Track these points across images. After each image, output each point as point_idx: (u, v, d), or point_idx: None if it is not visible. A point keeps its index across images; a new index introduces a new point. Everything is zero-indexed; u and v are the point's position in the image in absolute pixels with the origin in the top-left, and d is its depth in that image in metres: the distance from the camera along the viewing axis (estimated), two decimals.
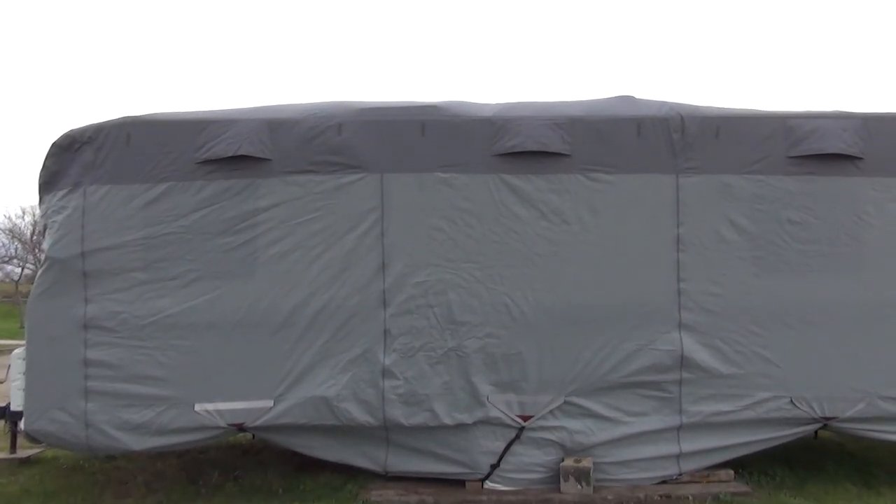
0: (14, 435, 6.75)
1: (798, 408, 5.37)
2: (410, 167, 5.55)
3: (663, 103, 5.68)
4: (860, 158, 5.44)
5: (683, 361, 5.35)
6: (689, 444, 5.43)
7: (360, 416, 5.36)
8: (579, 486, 5.23)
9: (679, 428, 5.41)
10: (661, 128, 5.51)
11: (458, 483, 5.53)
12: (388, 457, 5.58)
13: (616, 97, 5.89)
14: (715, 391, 5.39)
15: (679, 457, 5.45)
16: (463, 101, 5.86)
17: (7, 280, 44.56)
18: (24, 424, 5.59)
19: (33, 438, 5.77)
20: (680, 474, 5.48)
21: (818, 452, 6.36)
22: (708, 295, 5.42)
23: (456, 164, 5.54)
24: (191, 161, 5.52)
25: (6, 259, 42.88)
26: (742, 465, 5.74)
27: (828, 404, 5.37)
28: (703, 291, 5.42)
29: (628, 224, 5.48)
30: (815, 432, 5.85)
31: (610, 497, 5.21)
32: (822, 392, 5.36)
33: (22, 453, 6.83)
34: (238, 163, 5.49)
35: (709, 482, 5.43)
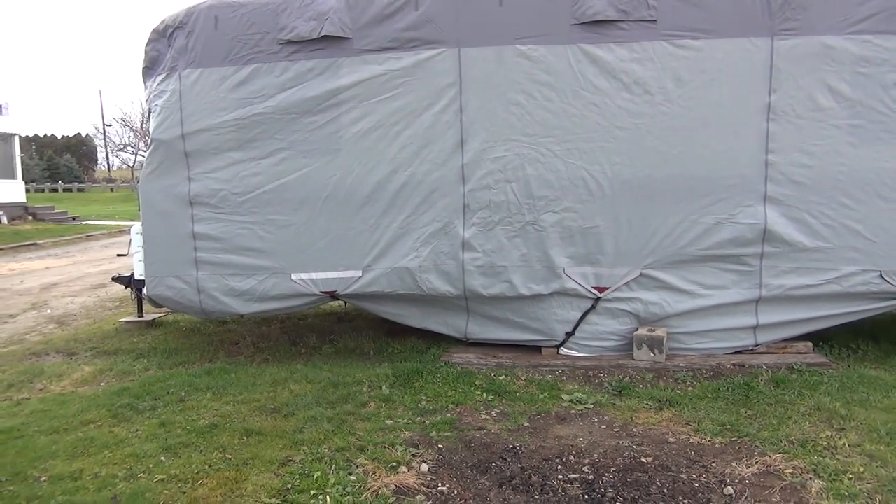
0: (140, 301, 7.61)
1: (887, 282, 5.22)
2: (488, 40, 5.48)
3: None
4: None
5: (766, 235, 5.26)
6: (767, 317, 5.44)
7: (442, 286, 5.67)
8: (652, 354, 5.41)
9: (758, 301, 5.41)
10: None
11: (534, 349, 5.85)
12: (469, 325, 5.93)
13: None
14: (798, 265, 5.30)
15: (756, 328, 5.49)
16: None
17: (124, 167, 47.87)
18: (146, 290, 6.28)
19: (155, 303, 6.49)
20: (756, 345, 5.54)
21: None
22: (797, 166, 5.20)
23: (534, 36, 5.41)
24: (274, 42, 5.69)
25: (121, 147, 45.86)
26: (824, 339, 5.73)
27: None
28: (793, 163, 5.21)
29: (715, 93, 5.25)
30: None
31: (682, 364, 5.37)
32: None
33: (147, 316, 7.72)
34: (319, 42, 5.62)
35: (785, 353, 5.47)
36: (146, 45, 6.12)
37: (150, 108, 6.22)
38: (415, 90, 5.58)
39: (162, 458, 4.08)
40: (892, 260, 5.19)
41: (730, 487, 3.54)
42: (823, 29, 5.07)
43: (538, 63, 5.41)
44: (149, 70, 6.18)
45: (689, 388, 5.02)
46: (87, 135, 55.11)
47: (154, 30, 6.06)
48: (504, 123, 5.48)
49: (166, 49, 5.96)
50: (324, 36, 5.56)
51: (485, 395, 5.02)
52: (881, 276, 5.22)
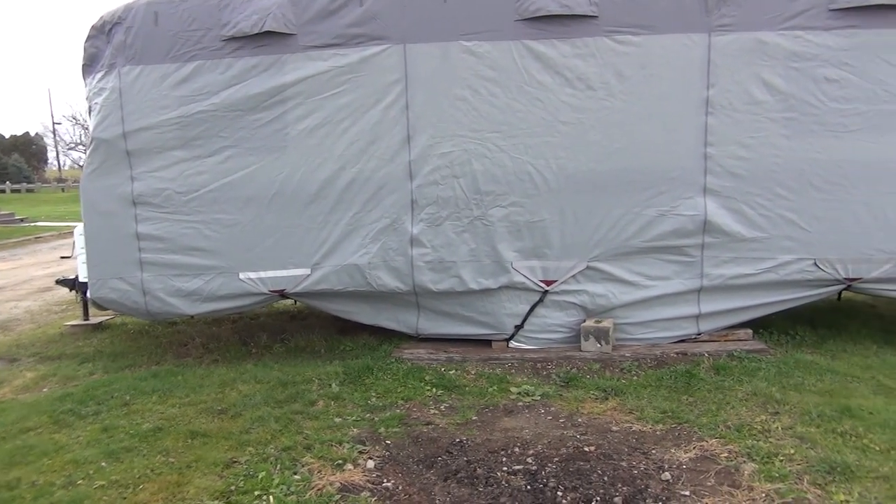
0: (85, 303, 7.43)
1: (822, 269, 5.40)
2: (433, 36, 5.49)
3: None
4: None
5: (706, 226, 5.39)
6: (709, 306, 5.58)
7: (391, 282, 5.67)
8: (599, 345, 5.51)
9: (699, 290, 5.55)
10: None
11: (484, 343, 5.90)
12: (419, 320, 5.95)
13: None
14: (737, 255, 5.45)
15: (698, 317, 5.63)
16: None
17: (75, 166, 46.58)
18: (89, 293, 6.14)
19: (100, 306, 6.36)
20: (699, 334, 5.68)
21: (844, 314, 6.45)
22: (735, 159, 5.34)
23: (479, 32, 5.44)
24: (217, 38, 5.61)
25: (72, 146, 44.62)
26: (764, 326, 5.90)
27: (852, 266, 5.37)
28: (731, 155, 5.34)
29: (655, 88, 5.36)
30: (839, 294, 5.92)
31: (627, 354, 5.48)
32: (848, 254, 5.35)
33: (94, 319, 7.55)
34: (263, 39, 5.56)
35: (726, 341, 5.63)
36: (85, 42, 5.98)
37: (90, 107, 6.07)
38: (361, 87, 5.56)
39: (103, 463, 4.01)
40: (825, 248, 5.37)
41: (667, 473, 3.63)
42: (757, 25, 5.21)
43: (483, 59, 5.45)
44: (88, 67, 6.03)
45: (634, 378, 5.12)
46: (37, 133, 53.55)
47: (93, 26, 5.92)
48: (450, 119, 5.51)
49: (105, 45, 5.82)
50: (267, 32, 5.50)
51: (434, 389, 5.05)
52: (815, 263, 5.40)
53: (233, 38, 5.57)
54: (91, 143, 5.96)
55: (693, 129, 5.35)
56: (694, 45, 5.29)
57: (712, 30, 5.26)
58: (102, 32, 5.83)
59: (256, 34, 5.51)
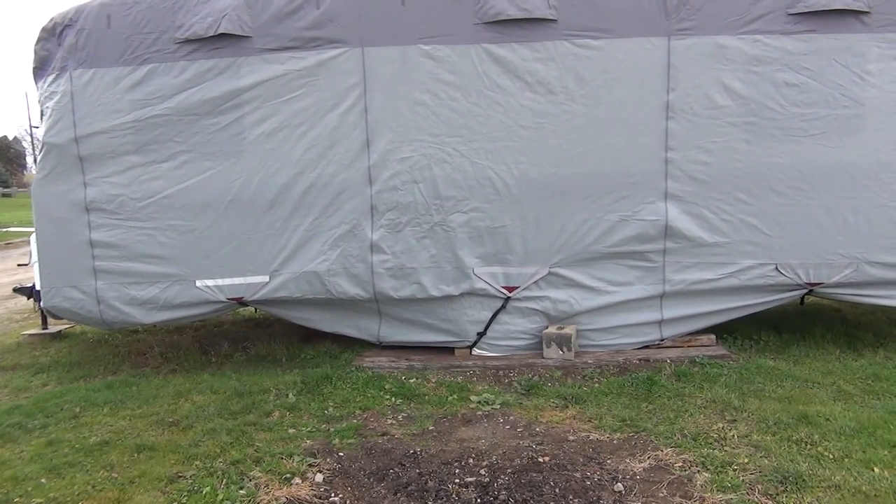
0: (43, 312, 7.24)
1: (783, 274, 5.38)
2: (392, 40, 5.41)
3: None
4: (866, 13, 5.08)
5: (668, 231, 5.36)
6: (671, 311, 5.55)
7: (351, 289, 5.58)
8: (561, 352, 5.45)
9: (662, 296, 5.51)
10: None
11: (447, 350, 5.82)
12: (381, 328, 5.85)
13: None
14: (699, 260, 5.42)
15: (661, 323, 5.59)
16: None
17: None
18: (42, 302, 5.98)
19: (54, 315, 6.19)
20: (662, 339, 5.64)
21: (810, 318, 6.44)
22: (696, 163, 5.32)
23: (438, 35, 5.38)
24: (171, 41, 5.49)
25: None
26: (729, 331, 5.87)
27: (814, 270, 5.36)
28: (692, 160, 5.32)
29: (615, 92, 5.31)
30: (802, 299, 5.91)
31: (590, 361, 5.42)
32: (809, 258, 5.34)
33: (52, 329, 7.37)
34: (218, 41, 5.45)
35: (689, 346, 5.59)
36: (35, 44, 5.82)
37: (41, 111, 5.92)
38: (319, 90, 5.47)
39: (43, 479, 3.87)
40: (786, 253, 5.35)
41: (620, 484, 3.57)
42: (717, 29, 5.19)
43: (442, 63, 5.37)
44: (39, 70, 5.88)
45: (596, 385, 5.06)
46: (14, 137, 52.77)
47: (43, 28, 5.77)
48: (410, 124, 5.43)
49: (56, 48, 5.67)
50: (222, 34, 5.39)
51: (393, 399, 4.96)
52: (777, 268, 5.38)
53: (187, 41, 5.45)
54: (42, 147, 5.81)
55: (654, 134, 5.32)
56: (654, 49, 5.25)
57: (672, 33, 5.23)
58: (53, 35, 5.69)
59: (211, 36, 5.40)
